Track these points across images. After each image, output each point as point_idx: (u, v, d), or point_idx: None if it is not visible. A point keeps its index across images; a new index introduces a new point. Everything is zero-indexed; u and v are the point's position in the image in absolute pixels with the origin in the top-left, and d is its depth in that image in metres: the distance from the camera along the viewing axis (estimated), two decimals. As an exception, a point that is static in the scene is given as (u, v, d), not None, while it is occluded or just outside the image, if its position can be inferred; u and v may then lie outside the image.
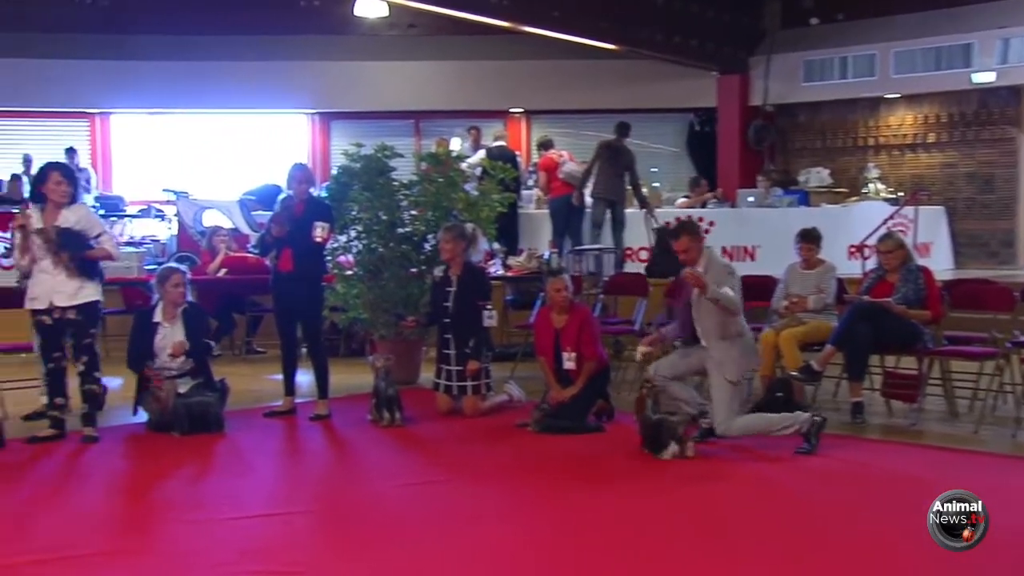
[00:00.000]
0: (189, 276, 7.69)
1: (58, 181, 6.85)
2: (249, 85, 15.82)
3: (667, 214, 12.90)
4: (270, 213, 8.36)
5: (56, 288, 6.79)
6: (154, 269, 11.03)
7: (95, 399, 6.99)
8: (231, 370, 8.65)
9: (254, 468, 6.45)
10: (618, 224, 12.59)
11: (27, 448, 6.73)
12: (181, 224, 12.60)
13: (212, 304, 9.79)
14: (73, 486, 6.00)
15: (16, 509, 5.47)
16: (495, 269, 11.13)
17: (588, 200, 12.79)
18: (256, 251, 9.19)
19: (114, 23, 15.48)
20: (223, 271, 10.73)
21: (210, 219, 12.23)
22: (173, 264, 8.07)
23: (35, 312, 6.91)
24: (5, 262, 11.42)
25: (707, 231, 12.30)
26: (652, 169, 15.22)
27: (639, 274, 11.11)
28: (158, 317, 7.44)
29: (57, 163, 7.37)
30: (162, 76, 15.67)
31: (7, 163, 15.52)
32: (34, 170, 14.20)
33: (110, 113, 16.56)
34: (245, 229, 12.09)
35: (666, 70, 15.81)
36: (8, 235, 11.20)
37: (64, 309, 6.82)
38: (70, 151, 14.82)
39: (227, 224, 11.97)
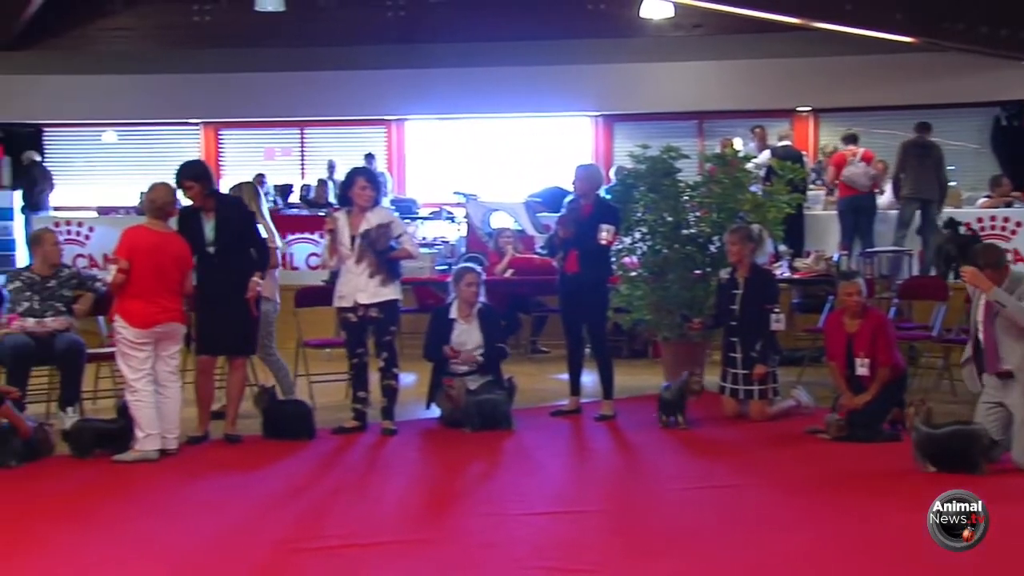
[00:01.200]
0: (484, 276, 7.96)
1: (363, 186, 7.24)
2: (535, 89, 16.15)
3: (968, 215, 12.17)
4: (555, 215, 8.50)
5: (360, 287, 7.19)
6: (445, 269, 11.50)
7: (394, 394, 7.35)
8: (517, 369, 8.86)
9: (542, 466, 6.58)
10: (929, 225, 11.95)
11: (333, 439, 7.17)
12: (470, 226, 13.01)
13: (499, 304, 10.06)
14: (376, 476, 6.34)
15: (326, 496, 5.85)
16: (781, 271, 10.87)
17: (883, 201, 12.27)
18: (544, 252, 9.38)
19: (409, 33, 16.20)
20: (510, 272, 11.02)
21: (498, 221, 12.57)
22: (469, 264, 8.33)
23: (341, 310, 7.34)
24: (313, 262, 12.22)
25: (1013, 232, 11.56)
26: (949, 167, 14.36)
27: (937, 277, 10.56)
28: (454, 314, 7.75)
29: (363, 168, 7.80)
30: (453, 82, 16.25)
31: (314, 169, 16.64)
32: (337, 175, 15.20)
33: (405, 120, 17.36)
34: (531, 231, 12.34)
35: (969, 62, 14.85)
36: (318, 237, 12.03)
37: (367, 307, 7.21)
38: (368, 157, 15.64)
39: (514, 226, 12.27)
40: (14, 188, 16.12)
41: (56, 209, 15.90)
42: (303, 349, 8.52)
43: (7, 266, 14.61)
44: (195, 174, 7.05)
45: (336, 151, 16.52)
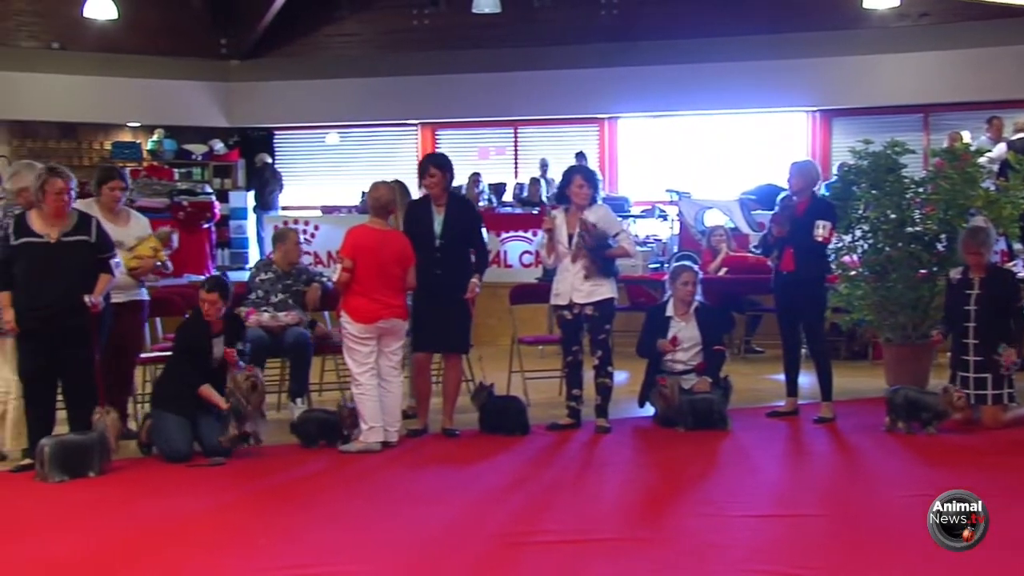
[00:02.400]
0: (701, 276, 7.89)
1: (580, 184, 7.29)
2: (750, 85, 15.83)
3: None
4: (770, 213, 8.33)
5: (576, 286, 7.25)
6: (657, 268, 11.45)
7: (608, 392, 7.37)
8: (731, 368, 8.70)
9: (759, 467, 6.48)
10: None
11: (548, 435, 7.25)
12: (682, 224, 12.92)
13: (712, 303, 9.93)
14: (591, 473, 6.38)
15: (543, 491, 5.93)
16: (1017, 271, 10.28)
17: None
18: (758, 251, 9.20)
19: (622, 32, 16.23)
20: (723, 270, 10.86)
21: (711, 219, 12.43)
22: (686, 262, 8.27)
23: (557, 307, 7.42)
24: (527, 259, 12.41)
25: None
26: None
27: None
28: (670, 312, 7.71)
29: (580, 166, 7.87)
30: (665, 79, 16.13)
31: (527, 168, 16.87)
32: (550, 174, 15.37)
33: (617, 118, 17.36)
34: (745, 229, 12.16)
35: None
36: (533, 235, 12.21)
37: (582, 305, 7.25)
38: (579, 155, 15.69)
39: (727, 224, 12.09)
40: (248, 189, 17.09)
41: (284, 208, 16.75)
42: (518, 346, 8.63)
43: (241, 263, 15.52)
44: (440, 163, 7.30)
45: (549, 150, 16.67)
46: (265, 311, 7.83)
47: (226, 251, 16.34)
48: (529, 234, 12.42)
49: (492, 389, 7.45)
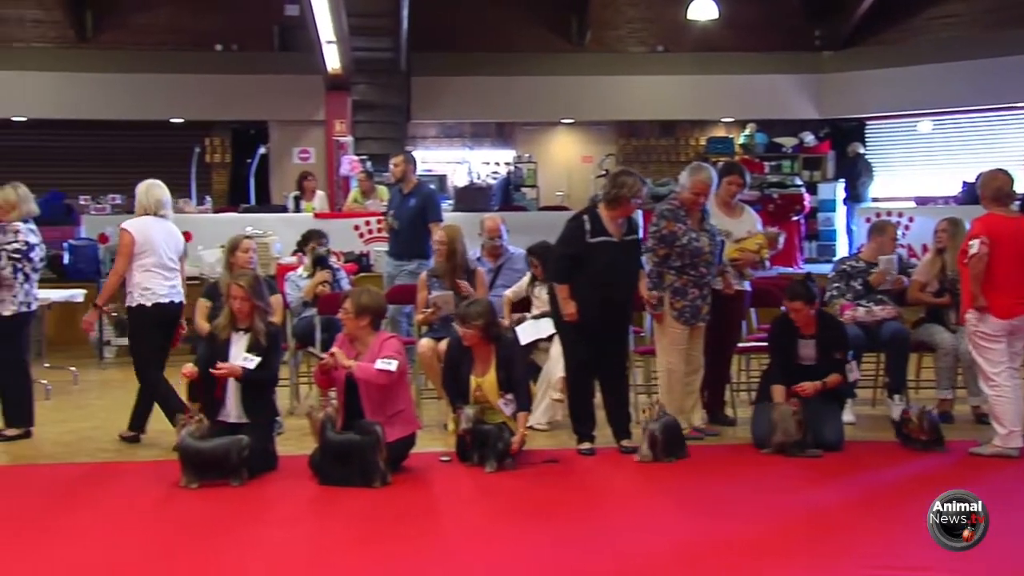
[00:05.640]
0: None
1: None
2: None
3: None
4: None
5: None
6: None
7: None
8: None
9: None
10: None
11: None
12: None
13: None
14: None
15: None
16: None
17: None
18: None
19: None
20: None
21: None
22: None
23: None
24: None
25: None
26: None
27: None
28: None
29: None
30: None
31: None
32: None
33: None
34: None
35: None
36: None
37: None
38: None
39: None
40: (837, 180, 16.93)
41: (875, 200, 16.36)
42: None
43: (828, 256, 15.39)
44: None
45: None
46: (860, 306, 7.68)
47: (814, 244, 16.29)
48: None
49: None
